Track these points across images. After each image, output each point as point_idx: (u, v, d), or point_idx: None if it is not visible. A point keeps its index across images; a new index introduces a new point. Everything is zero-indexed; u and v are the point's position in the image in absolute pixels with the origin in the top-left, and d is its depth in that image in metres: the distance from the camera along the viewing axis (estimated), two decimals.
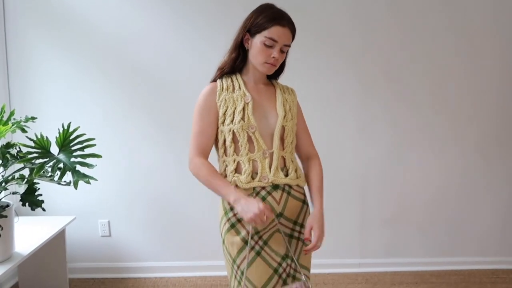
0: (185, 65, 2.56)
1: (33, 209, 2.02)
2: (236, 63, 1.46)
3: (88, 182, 1.78)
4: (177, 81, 2.58)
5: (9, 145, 1.97)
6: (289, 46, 1.42)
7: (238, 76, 1.47)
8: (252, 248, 1.35)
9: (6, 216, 1.89)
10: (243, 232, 1.36)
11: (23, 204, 2.01)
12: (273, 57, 1.38)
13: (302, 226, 1.45)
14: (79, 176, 1.77)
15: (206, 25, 2.54)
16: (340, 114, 2.65)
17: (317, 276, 2.72)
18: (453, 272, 2.79)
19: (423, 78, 2.65)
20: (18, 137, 2.37)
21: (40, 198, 2.05)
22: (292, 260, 1.39)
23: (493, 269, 2.82)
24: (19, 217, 2.30)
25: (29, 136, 1.89)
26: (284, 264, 1.37)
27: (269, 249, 1.37)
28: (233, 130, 1.40)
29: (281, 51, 1.40)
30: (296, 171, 1.46)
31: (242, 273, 1.33)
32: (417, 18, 2.59)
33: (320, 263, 2.77)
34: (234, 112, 1.40)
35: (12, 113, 2.05)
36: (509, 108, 2.71)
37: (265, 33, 1.37)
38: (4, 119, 2.01)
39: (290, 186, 1.44)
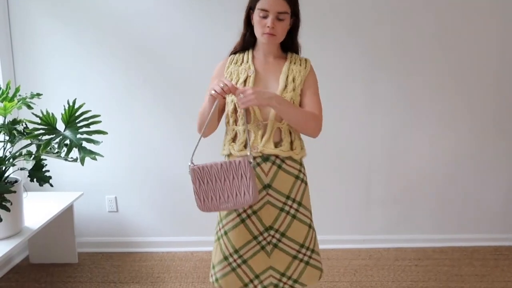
0: (192, 41, 2.53)
1: (41, 185, 2.05)
2: (245, 40, 1.53)
3: (95, 159, 1.79)
4: (185, 58, 2.54)
5: (15, 122, 1.99)
6: (286, 13, 1.43)
7: (250, 51, 1.53)
8: (239, 215, 1.46)
9: (15, 192, 1.92)
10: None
11: (31, 180, 2.04)
12: (268, 26, 1.40)
13: (294, 201, 1.48)
14: (85, 152, 1.78)
15: (212, 1, 2.49)
16: (347, 90, 2.62)
17: (321, 251, 2.75)
18: (456, 248, 2.81)
19: (433, 52, 2.59)
20: (24, 114, 2.38)
21: (47, 174, 2.08)
22: (277, 231, 1.45)
23: (496, 246, 2.84)
24: (28, 193, 2.34)
25: (35, 113, 1.89)
26: (266, 234, 1.45)
27: (256, 218, 1.45)
28: (234, 102, 1.46)
29: (279, 20, 1.41)
30: (291, 143, 1.46)
31: (225, 232, 1.47)
32: None
33: (324, 239, 2.80)
34: (236, 84, 1.46)
35: (17, 90, 2.05)
36: None
37: (258, 5, 1.42)
38: (10, 95, 2.01)
39: (282, 160, 1.45)
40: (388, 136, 2.70)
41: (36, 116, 1.86)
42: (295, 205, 1.48)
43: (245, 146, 1.44)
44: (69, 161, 1.92)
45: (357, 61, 2.58)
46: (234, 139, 1.49)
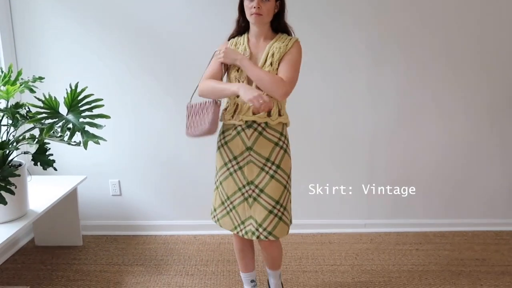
0: (194, 26, 2.50)
1: (45, 169, 2.06)
2: (240, 25, 1.75)
3: (97, 143, 1.79)
4: (186, 42, 2.52)
5: (18, 105, 1.98)
6: None
7: (245, 35, 1.75)
8: (228, 169, 1.76)
9: (19, 175, 1.93)
10: (225, 155, 1.76)
11: (35, 164, 2.05)
12: (254, 7, 1.60)
13: (273, 163, 1.71)
14: (88, 136, 1.78)
15: None
16: (350, 76, 2.60)
17: (322, 235, 2.79)
18: (457, 233, 2.83)
19: (433, 40, 2.56)
20: (26, 98, 2.38)
21: (51, 157, 2.09)
22: (256, 186, 1.71)
23: (497, 230, 2.86)
24: (32, 176, 2.35)
25: (37, 96, 1.89)
26: (247, 188, 1.72)
27: (241, 173, 1.73)
28: (231, 78, 1.72)
29: (263, 1, 1.60)
30: (269, 112, 1.67)
31: (220, 182, 1.79)
32: None
33: (326, 223, 2.83)
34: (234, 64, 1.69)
35: (19, 73, 2.04)
36: None
37: None
38: (12, 79, 2.01)
39: (263, 128, 1.69)
40: (390, 120, 2.69)
41: (39, 100, 1.85)
42: (273, 167, 1.71)
43: (232, 116, 1.71)
44: (72, 145, 1.92)
45: (359, 48, 2.56)
46: (226, 109, 1.76)
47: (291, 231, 2.72)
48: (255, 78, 1.62)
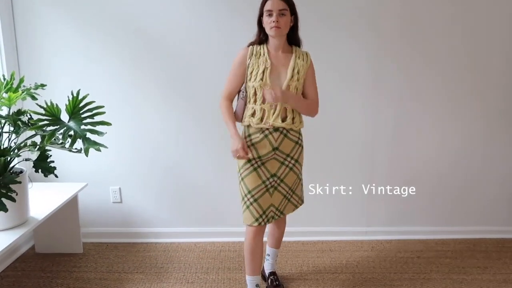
0: (195, 33, 2.52)
1: (46, 176, 2.07)
2: (260, 37, 1.95)
3: (99, 150, 1.80)
4: (187, 49, 2.54)
5: (20, 112, 1.99)
6: (286, 9, 1.84)
7: (265, 46, 1.95)
8: (252, 165, 1.96)
9: (20, 182, 1.93)
10: (249, 154, 1.93)
11: (36, 171, 2.06)
12: (273, 21, 1.82)
13: (293, 158, 2.00)
14: (89, 143, 1.79)
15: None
16: (351, 80, 2.61)
17: (323, 243, 2.78)
18: (458, 240, 2.82)
19: (442, 44, 2.57)
20: (28, 105, 2.39)
21: (52, 164, 2.09)
22: (278, 178, 1.99)
23: (499, 238, 2.84)
24: (33, 183, 2.35)
25: (39, 103, 1.90)
26: (271, 179, 1.98)
27: (264, 169, 1.97)
28: (255, 87, 1.90)
29: (281, 15, 1.83)
30: (293, 119, 1.95)
31: (242, 178, 1.98)
32: None
33: (327, 230, 2.82)
34: (257, 73, 1.90)
35: (21, 80, 2.06)
36: None
37: (264, 8, 1.86)
38: (14, 86, 2.02)
39: (287, 130, 1.96)
40: (391, 128, 2.69)
41: (41, 107, 1.86)
42: (292, 161, 2.01)
43: (261, 120, 1.92)
44: (74, 152, 1.93)
45: (363, 46, 2.57)
46: (253, 114, 1.94)
47: (291, 238, 2.75)
48: (300, 108, 1.97)
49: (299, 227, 2.78)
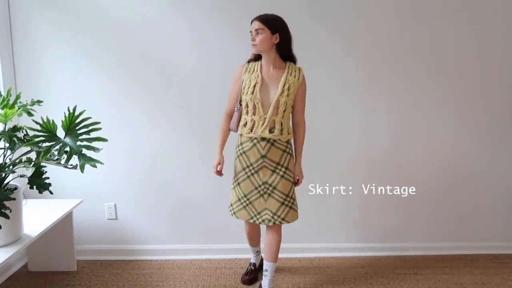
0: (191, 51, 2.55)
1: (40, 192, 2.05)
2: (255, 54, 2.14)
3: (94, 166, 1.79)
4: (183, 67, 2.56)
5: (15, 129, 1.99)
6: (262, 28, 2.02)
7: (259, 62, 2.14)
8: (246, 173, 2.18)
9: (14, 199, 1.91)
10: (243, 162, 2.17)
11: (31, 187, 2.04)
12: (252, 39, 2.06)
13: (283, 166, 2.16)
14: (85, 159, 1.78)
15: (212, 12, 2.51)
16: (348, 95, 2.64)
17: (320, 259, 2.76)
18: (456, 256, 2.81)
19: (441, 54, 2.62)
20: (24, 121, 2.39)
21: (47, 181, 2.07)
22: (270, 185, 2.16)
23: (496, 254, 2.84)
24: (27, 200, 2.33)
25: (35, 120, 1.90)
26: (262, 186, 2.17)
27: (257, 176, 2.17)
28: (246, 100, 2.10)
29: (258, 33, 2.03)
30: (281, 130, 2.11)
31: (238, 183, 2.21)
32: None
33: (323, 247, 2.81)
34: (249, 87, 2.09)
35: (18, 97, 2.06)
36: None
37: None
38: (10, 102, 2.02)
39: (274, 141, 2.13)
40: (388, 144, 2.71)
41: (37, 123, 1.86)
42: (283, 169, 2.16)
43: (251, 130, 2.12)
44: (69, 168, 1.92)
45: (361, 63, 2.61)
46: (245, 125, 2.14)
47: (288, 255, 2.73)
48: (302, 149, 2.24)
49: (296, 244, 2.76)
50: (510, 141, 2.75)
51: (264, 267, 2.28)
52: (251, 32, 2.06)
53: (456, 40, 2.61)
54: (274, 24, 2.02)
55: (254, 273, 2.52)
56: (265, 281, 2.29)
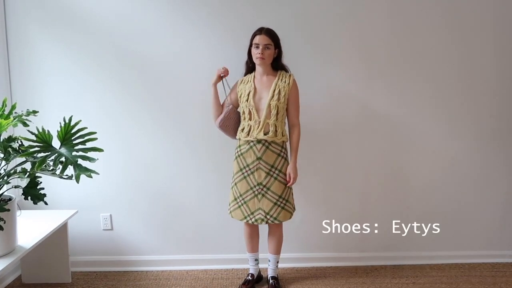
0: (185, 61, 2.56)
1: (35, 203, 2.03)
2: (248, 66, 2.36)
3: (90, 176, 1.78)
4: (178, 76, 2.57)
5: (10, 139, 1.98)
6: (270, 44, 2.23)
7: (253, 73, 2.34)
8: (243, 173, 2.33)
9: (8, 210, 1.90)
10: (240, 163, 2.33)
11: (26, 198, 2.02)
12: (259, 53, 2.23)
13: (276, 169, 2.30)
14: (80, 170, 1.77)
15: (206, 22, 2.53)
16: (345, 99, 2.64)
17: (318, 269, 2.74)
18: (453, 265, 2.80)
19: (437, 58, 2.63)
20: (19, 131, 2.38)
21: (42, 191, 2.06)
22: (264, 186, 2.30)
23: (493, 262, 2.83)
24: (22, 211, 2.31)
25: (30, 130, 1.89)
26: (257, 187, 2.31)
27: (252, 177, 2.31)
28: (243, 107, 2.31)
29: (266, 48, 2.23)
30: (275, 133, 2.27)
31: (235, 183, 2.35)
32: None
33: (321, 256, 2.79)
34: (244, 96, 2.30)
35: (13, 107, 2.05)
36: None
37: (253, 41, 2.26)
38: (6, 112, 2.01)
39: (269, 143, 2.28)
40: (386, 152, 2.71)
41: (32, 133, 1.85)
42: (277, 171, 2.30)
43: (248, 134, 2.29)
44: (64, 178, 1.91)
45: (358, 70, 2.62)
46: (242, 130, 2.32)
47: (285, 265, 2.71)
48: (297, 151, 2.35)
49: (293, 253, 2.75)
50: (505, 150, 2.76)
51: (268, 258, 2.48)
52: (256, 44, 2.22)
53: (451, 47, 2.63)
54: (277, 40, 2.26)
55: (251, 283, 2.50)
56: (269, 270, 2.50)
